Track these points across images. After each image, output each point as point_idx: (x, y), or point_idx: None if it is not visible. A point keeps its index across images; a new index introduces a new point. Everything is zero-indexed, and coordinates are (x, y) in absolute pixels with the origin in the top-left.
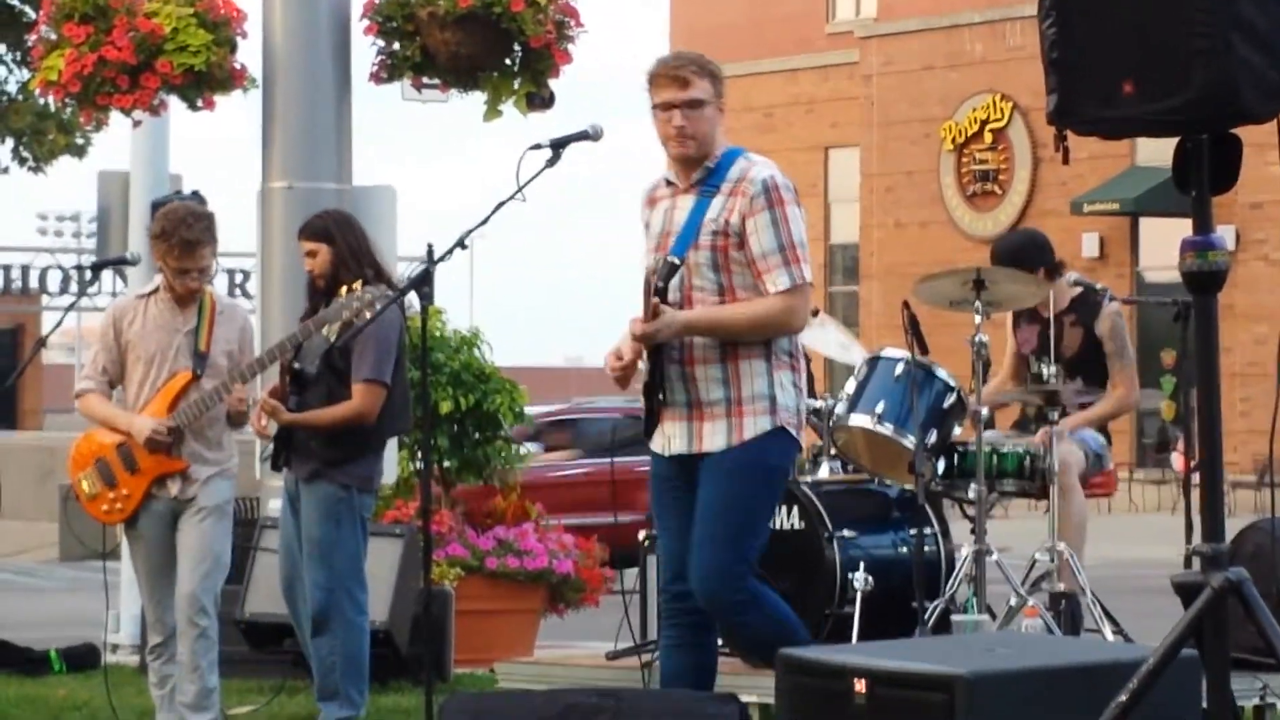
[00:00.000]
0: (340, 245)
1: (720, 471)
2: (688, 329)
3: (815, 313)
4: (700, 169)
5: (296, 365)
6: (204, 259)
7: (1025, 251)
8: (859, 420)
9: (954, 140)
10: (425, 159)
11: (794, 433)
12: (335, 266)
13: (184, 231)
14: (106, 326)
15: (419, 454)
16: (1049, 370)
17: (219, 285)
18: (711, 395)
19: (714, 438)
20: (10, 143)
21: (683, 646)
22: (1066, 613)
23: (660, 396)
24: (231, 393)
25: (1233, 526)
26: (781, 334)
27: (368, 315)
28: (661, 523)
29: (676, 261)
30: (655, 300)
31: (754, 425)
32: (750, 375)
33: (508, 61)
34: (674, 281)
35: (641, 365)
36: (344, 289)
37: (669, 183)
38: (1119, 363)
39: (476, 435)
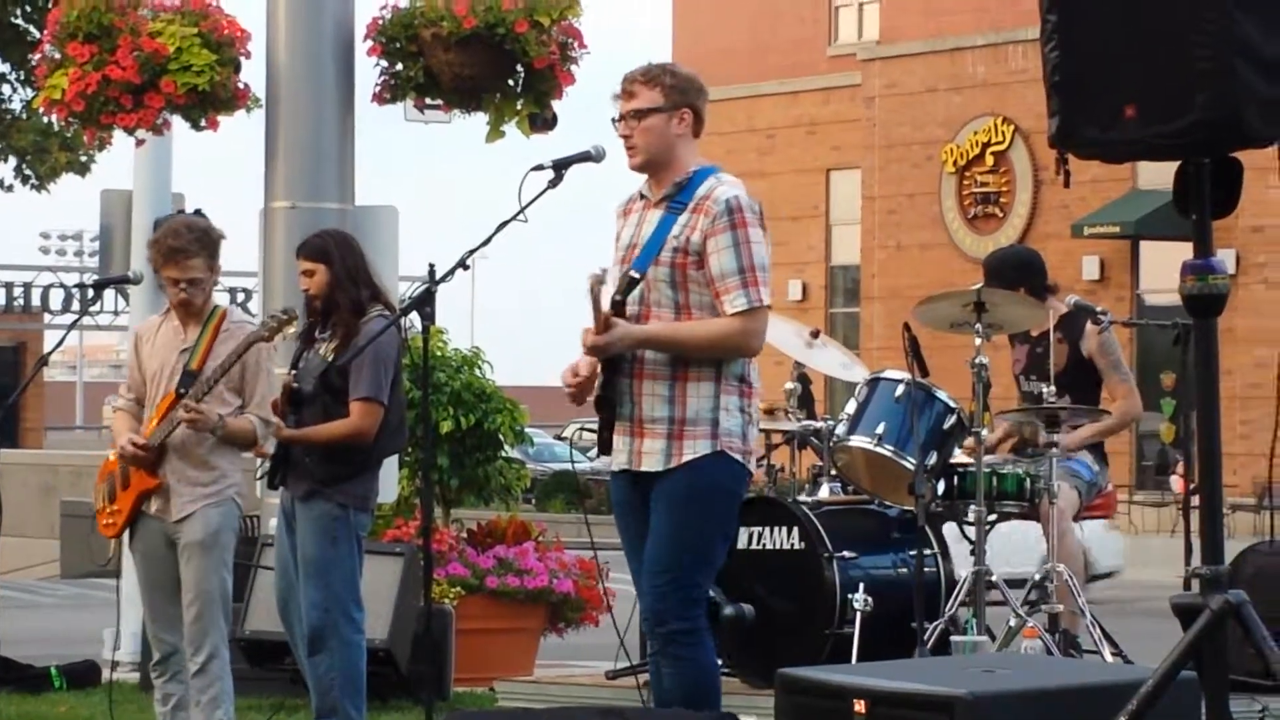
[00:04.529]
0: (338, 266)
1: (671, 498)
2: (643, 343)
3: (816, 334)
4: (671, 184)
5: (294, 384)
6: (191, 270)
7: (1004, 270)
8: (859, 441)
9: (955, 163)
10: (427, 179)
11: (738, 457)
12: (332, 287)
13: (170, 239)
14: (131, 347)
15: (420, 473)
16: (1047, 389)
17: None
18: (655, 413)
19: (652, 456)
20: (13, 161)
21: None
22: (1065, 634)
23: (613, 410)
24: (192, 409)
25: (1232, 549)
26: (736, 355)
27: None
28: (629, 548)
29: (636, 276)
30: (606, 313)
31: (693, 448)
32: (696, 396)
33: (510, 83)
34: (632, 295)
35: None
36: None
37: (642, 195)
38: (1115, 375)
39: (477, 455)
